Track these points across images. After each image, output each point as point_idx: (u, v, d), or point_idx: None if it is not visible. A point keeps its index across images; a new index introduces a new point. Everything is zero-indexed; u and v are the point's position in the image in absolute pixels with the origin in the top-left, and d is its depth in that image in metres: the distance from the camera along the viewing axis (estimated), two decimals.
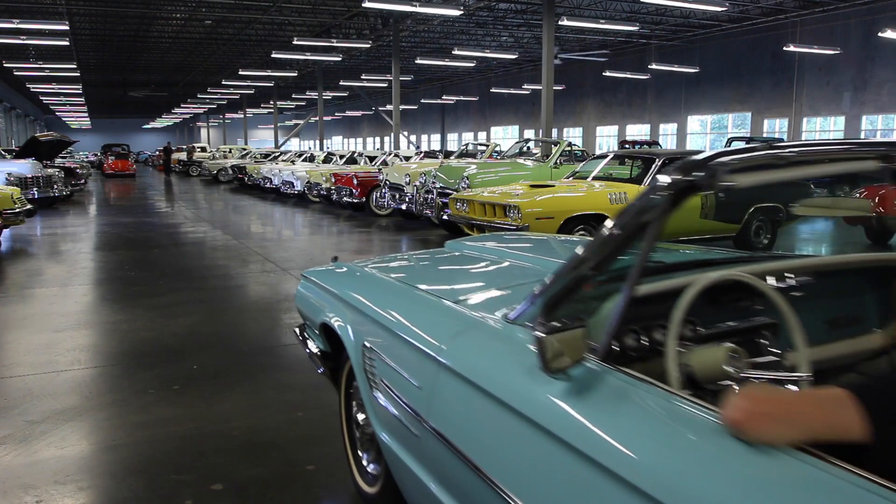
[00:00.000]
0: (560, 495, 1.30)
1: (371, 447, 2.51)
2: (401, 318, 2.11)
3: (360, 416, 2.58)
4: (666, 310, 1.52)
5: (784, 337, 1.65)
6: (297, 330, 3.14)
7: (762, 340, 1.70)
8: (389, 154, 18.10)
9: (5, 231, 9.37)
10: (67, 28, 20.24)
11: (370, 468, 2.52)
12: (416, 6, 17.37)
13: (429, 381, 1.83)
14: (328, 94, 46.01)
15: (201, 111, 60.93)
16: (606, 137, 35.87)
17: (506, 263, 2.65)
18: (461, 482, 1.66)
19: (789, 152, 1.41)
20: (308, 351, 2.91)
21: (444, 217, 10.16)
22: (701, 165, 1.35)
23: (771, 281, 1.87)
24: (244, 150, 31.63)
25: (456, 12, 19.10)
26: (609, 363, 1.42)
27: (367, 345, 2.23)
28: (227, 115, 61.15)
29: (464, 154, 14.83)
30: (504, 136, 43.23)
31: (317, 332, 2.81)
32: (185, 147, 37.43)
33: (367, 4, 16.71)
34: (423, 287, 2.30)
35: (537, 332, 1.36)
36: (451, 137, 50.03)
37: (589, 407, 1.33)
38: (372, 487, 2.48)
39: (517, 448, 1.46)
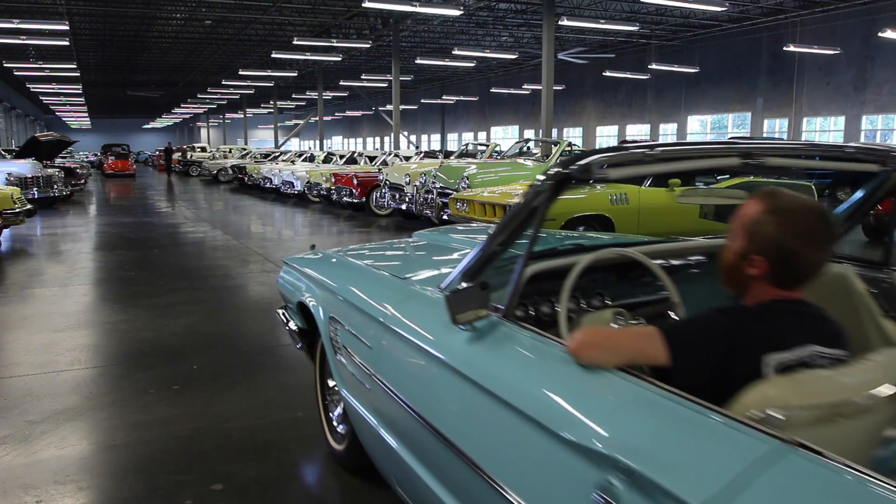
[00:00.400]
0: (463, 416, 1.72)
1: (339, 407, 2.92)
2: (358, 293, 2.48)
3: (331, 383, 2.96)
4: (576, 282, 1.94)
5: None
6: (280, 311, 3.39)
7: (670, 312, 2.03)
8: (389, 154, 18.11)
9: (5, 231, 9.37)
10: (67, 28, 20.24)
11: (339, 429, 2.93)
12: (416, 6, 17.38)
13: (377, 342, 2.22)
14: (328, 94, 46.01)
15: (201, 111, 60.94)
16: (606, 137, 35.87)
17: (459, 248, 2.98)
18: (397, 419, 2.08)
19: (655, 151, 1.65)
20: (288, 329, 3.23)
21: (444, 217, 10.16)
22: (577, 161, 1.64)
23: (660, 261, 2.24)
24: (244, 150, 31.64)
25: (456, 12, 19.11)
26: (510, 320, 1.76)
27: (333, 317, 2.61)
28: (227, 115, 61.15)
29: (464, 154, 14.83)
30: (504, 136, 43.23)
31: (295, 311, 3.16)
32: (181, 147, 37.34)
33: (367, 4, 16.71)
34: (382, 268, 2.65)
35: (444, 294, 1.80)
36: (451, 137, 50.03)
37: (482, 349, 1.72)
38: (340, 445, 2.89)
39: (435, 385, 1.85)
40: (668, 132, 31.78)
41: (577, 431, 1.31)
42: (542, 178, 1.73)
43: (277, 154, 26.25)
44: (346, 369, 2.48)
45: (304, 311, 3.02)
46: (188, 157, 32.95)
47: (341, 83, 40.07)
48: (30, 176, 14.34)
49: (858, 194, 2.35)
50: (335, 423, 2.97)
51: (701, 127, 30.91)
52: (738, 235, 1.60)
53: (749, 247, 1.55)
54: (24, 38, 21.05)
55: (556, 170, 1.70)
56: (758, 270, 1.54)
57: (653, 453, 1.16)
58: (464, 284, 1.92)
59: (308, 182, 16.67)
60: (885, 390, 1.29)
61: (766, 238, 1.53)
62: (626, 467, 1.17)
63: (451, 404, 1.78)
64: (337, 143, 68.73)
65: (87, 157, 40.35)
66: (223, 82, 39.76)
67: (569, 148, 12.64)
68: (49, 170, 15.65)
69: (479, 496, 1.60)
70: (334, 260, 3.00)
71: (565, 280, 1.86)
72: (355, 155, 19.48)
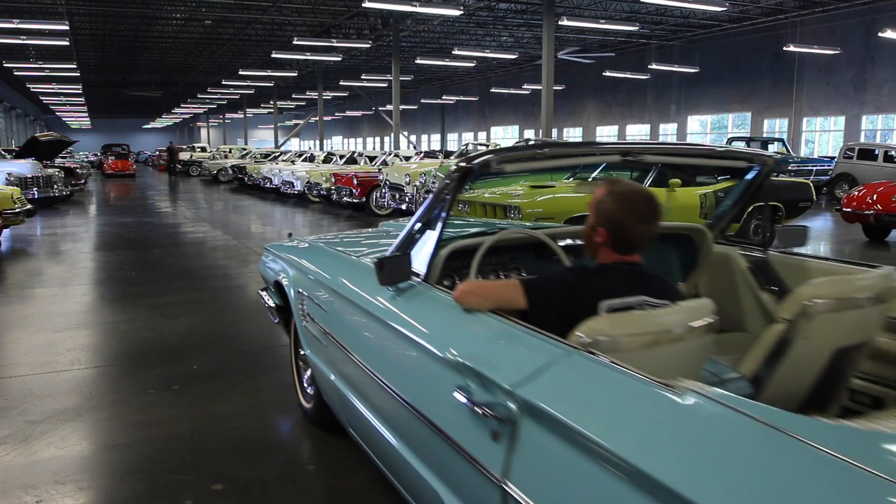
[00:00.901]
0: (387, 356, 2.23)
1: (308, 371, 3.34)
2: (318, 269, 2.97)
3: (302, 352, 3.35)
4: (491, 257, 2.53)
5: None
6: (261, 292, 3.81)
7: None
8: (389, 154, 18.11)
9: (5, 231, 9.37)
10: (67, 28, 20.24)
11: (308, 390, 3.37)
12: (416, 6, 17.38)
13: (331, 306, 2.72)
14: (328, 94, 46.01)
15: (201, 111, 60.95)
16: (606, 137, 35.88)
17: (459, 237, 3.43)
18: (343, 366, 2.59)
19: (545, 150, 2.17)
20: (267, 306, 3.66)
21: None
22: (477, 158, 2.11)
23: (568, 241, 2.79)
24: (244, 150, 31.63)
25: (456, 12, 19.11)
26: (428, 283, 2.21)
27: (300, 291, 3.09)
28: (227, 115, 61.14)
29: (464, 154, 14.84)
30: (504, 136, 43.23)
31: (273, 290, 3.62)
32: (180, 148, 37.06)
33: (367, 4, 16.72)
34: (344, 250, 3.05)
35: (374, 260, 2.21)
36: (451, 137, 50.03)
37: (400, 303, 2.20)
38: (309, 404, 3.38)
39: (367, 334, 2.38)
40: (668, 132, 31.77)
41: (452, 350, 1.80)
42: (453, 170, 2.17)
43: (277, 154, 26.24)
44: (310, 333, 2.96)
45: (280, 290, 3.45)
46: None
47: (341, 83, 40.07)
48: (30, 176, 14.34)
49: (738, 189, 2.86)
50: (305, 386, 3.43)
51: (701, 127, 30.90)
52: (590, 212, 2.02)
53: (595, 221, 1.99)
54: (24, 38, 21.05)
55: (461, 164, 2.14)
56: (601, 238, 1.98)
57: (493, 362, 1.66)
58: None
59: (308, 182, 16.67)
60: (698, 322, 1.67)
61: (605, 213, 1.96)
62: (474, 371, 1.67)
63: (376, 344, 2.32)
64: (337, 143, 68.70)
65: (87, 157, 40.33)
66: (223, 82, 39.76)
67: None
68: (49, 170, 15.64)
69: (395, 414, 2.14)
70: (306, 245, 3.43)
71: (476, 253, 2.40)
72: (355, 155, 19.48)
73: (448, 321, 1.97)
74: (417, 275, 2.22)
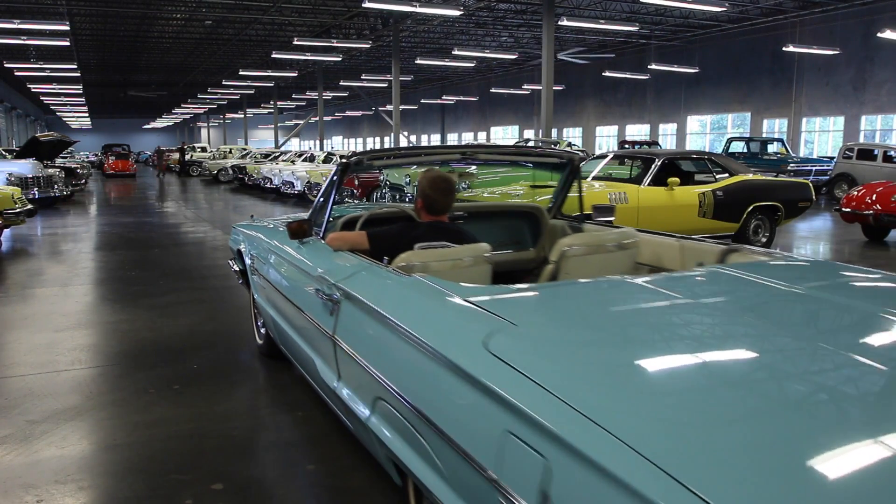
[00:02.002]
0: (290, 282, 3.28)
1: (260, 317, 4.33)
2: (261, 236, 4.05)
3: (254, 297, 4.25)
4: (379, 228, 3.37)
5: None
6: (229, 261, 4.87)
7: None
8: None
9: (6, 231, 9.38)
10: (68, 28, 20.24)
11: (261, 331, 4.44)
12: (416, 6, 17.39)
13: (267, 257, 3.76)
14: (328, 94, 46.01)
15: (201, 111, 60.94)
16: (606, 137, 35.86)
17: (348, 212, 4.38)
18: (275, 302, 3.61)
19: (393, 152, 3.59)
20: (233, 270, 4.80)
21: None
22: (354, 156, 3.27)
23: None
24: (244, 150, 31.62)
25: (456, 12, 19.11)
26: (322, 239, 3.17)
27: (252, 254, 4.12)
28: (228, 115, 61.15)
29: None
30: (504, 136, 43.23)
31: (236, 257, 4.68)
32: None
33: (367, 4, 16.72)
34: (279, 223, 4.06)
35: (284, 223, 3.39)
36: (451, 137, 50.02)
37: (302, 251, 3.22)
38: (261, 340, 4.47)
39: (286, 275, 3.38)
40: (667, 132, 31.78)
41: (318, 269, 2.85)
42: (338, 165, 3.27)
43: (277, 154, 26.24)
44: (257, 282, 4.04)
45: (240, 256, 4.48)
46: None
47: (341, 83, 40.08)
48: (30, 176, 14.35)
49: (561, 179, 3.99)
50: (259, 326, 4.51)
51: (700, 127, 30.91)
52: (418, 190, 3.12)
53: (418, 194, 3.13)
54: (25, 38, 21.05)
55: (342, 160, 3.29)
56: (420, 205, 3.13)
57: (334, 271, 2.72)
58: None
59: (308, 182, 16.67)
60: (481, 252, 2.73)
61: (421, 190, 3.10)
62: (324, 278, 2.73)
63: (286, 277, 3.39)
64: (337, 143, 68.70)
65: (87, 158, 40.32)
66: (223, 82, 39.78)
67: (568, 148, 12.65)
68: (49, 170, 15.65)
69: (293, 317, 3.19)
70: (263, 223, 4.37)
71: (358, 221, 3.51)
72: None
73: (322, 257, 2.99)
74: (316, 234, 3.27)
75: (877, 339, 1.79)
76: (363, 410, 2.29)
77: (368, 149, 16.21)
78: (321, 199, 3.40)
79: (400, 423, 2.00)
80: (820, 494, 1.10)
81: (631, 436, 1.22)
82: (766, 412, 1.35)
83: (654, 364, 1.60)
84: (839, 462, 1.18)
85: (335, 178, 3.27)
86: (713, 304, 2.06)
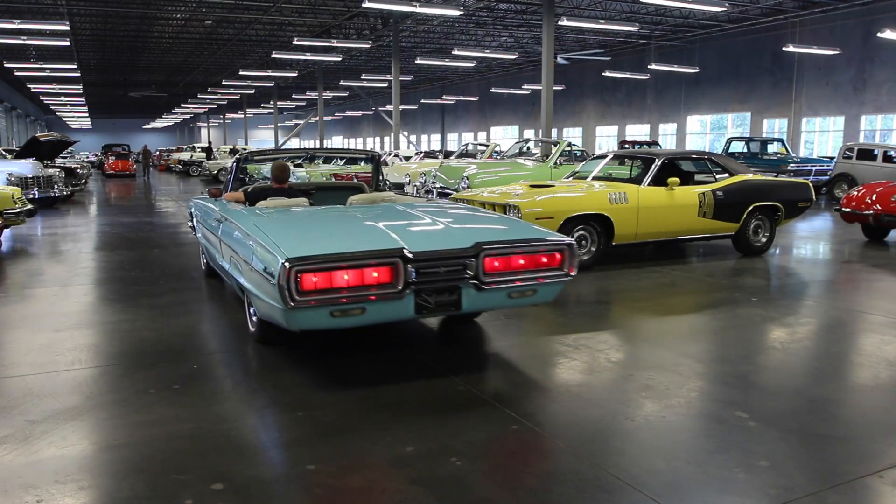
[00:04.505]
0: (210, 222, 5.89)
1: (204, 255, 6.96)
2: (201, 202, 6.61)
3: (197, 236, 6.79)
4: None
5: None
6: (188, 224, 6.85)
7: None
8: (389, 154, 18.11)
9: (6, 231, 9.38)
10: (68, 28, 20.25)
11: (202, 262, 7.07)
12: (416, 6, 17.39)
13: (202, 211, 6.38)
14: (328, 94, 46.03)
15: (202, 111, 60.95)
16: (606, 137, 35.86)
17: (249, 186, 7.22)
18: (204, 234, 6.24)
19: (270, 151, 7.21)
20: (189, 225, 7.32)
21: None
22: (244, 154, 6.80)
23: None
24: (244, 150, 31.58)
25: (456, 12, 19.11)
26: (222, 199, 6.07)
27: (196, 213, 6.74)
28: (228, 115, 61.16)
29: (464, 154, 14.85)
30: (504, 136, 43.23)
31: (189, 219, 7.17)
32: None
33: (367, 4, 16.72)
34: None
35: (208, 193, 6.47)
36: (451, 137, 50.02)
37: (215, 203, 6.04)
38: (204, 268, 7.02)
39: (206, 217, 6.08)
40: (667, 132, 31.78)
41: (218, 209, 5.58)
42: (236, 157, 6.66)
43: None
44: (198, 227, 6.59)
45: (192, 217, 7.06)
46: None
47: (341, 83, 40.08)
48: (30, 176, 14.35)
49: (372, 168, 7.33)
50: (202, 260, 7.07)
51: (700, 127, 30.91)
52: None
53: (270, 173, 6.21)
54: (25, 38, 21.05)
55: (238, 157, 6.70)
56: (273, 179, 6.12)
57: (224, 211, 5.36)
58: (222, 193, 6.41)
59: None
60: (301, 203, 5.38)
61: (271, 170, 6.13)
62: (222, 214, 5.36)
63: (207, 217, 5.93)
64: (337, 143, 68.71)
65: (87, 158, 40.32)
66: (223, 82, 39.78)
67: (568, 148, 12.64)
68: (49, 170, 15.64)
69: (210, 239, 5.77)
70: (204, 196, 6.53)
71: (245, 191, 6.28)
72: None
73: (221, 205, 5.55)
74: (222, 196, 6.06)
75: (397, 215, 4.76)
76: (228, 267, 4.89)
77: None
78: (229, 178, 6.44)
79: (238, 264, 4.50)
80: (331, 242, 3.97)
81: (278, 239, 3.97)
82: (334, 234, 4.29)
83: (312, 229, 4.43)
84: (347, 229, 4.40)
85: (234, 166, 6.55)
86: (363, 213, 4.83)
